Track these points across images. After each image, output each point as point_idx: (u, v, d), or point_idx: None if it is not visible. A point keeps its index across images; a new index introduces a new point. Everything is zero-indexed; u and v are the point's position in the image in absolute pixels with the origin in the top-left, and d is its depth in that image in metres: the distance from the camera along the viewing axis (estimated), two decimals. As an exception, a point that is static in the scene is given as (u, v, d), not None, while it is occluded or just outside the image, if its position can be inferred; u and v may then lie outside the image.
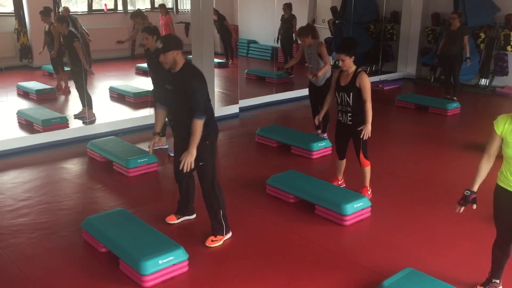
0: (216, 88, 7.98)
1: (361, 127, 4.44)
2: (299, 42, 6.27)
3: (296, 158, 5.88)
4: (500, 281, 3.29)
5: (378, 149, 4.94)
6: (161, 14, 9.55)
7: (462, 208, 3.03)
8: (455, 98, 8.40)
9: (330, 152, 5.94)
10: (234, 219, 4.33)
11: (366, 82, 4.41)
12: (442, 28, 10.10)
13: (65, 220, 4.32)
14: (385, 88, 9.79)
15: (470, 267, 3.62)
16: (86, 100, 7.13)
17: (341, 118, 4.61)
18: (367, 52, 11.04)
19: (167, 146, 6.02)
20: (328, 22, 11.51)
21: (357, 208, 4.28)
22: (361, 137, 4.47)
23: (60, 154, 6.04)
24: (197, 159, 3.66)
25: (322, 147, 5.93)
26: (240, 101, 8.00)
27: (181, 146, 3.75)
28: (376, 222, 4.33)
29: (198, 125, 3.58)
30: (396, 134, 7.18)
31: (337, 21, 11.02)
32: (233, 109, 7.87)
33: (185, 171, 3.58)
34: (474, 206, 3.02)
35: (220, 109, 7.66)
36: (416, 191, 5.00)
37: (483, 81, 9.77)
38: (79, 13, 9.32)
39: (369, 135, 4.47)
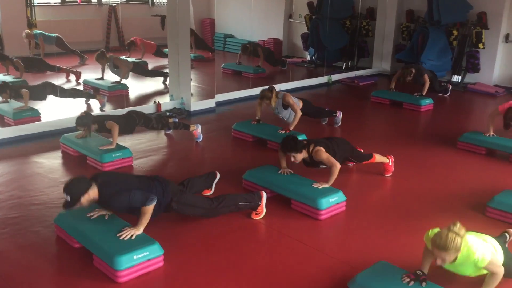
0: (193, 83, 7.94)
1: (318, 185, 4.47)
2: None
3: (273, 152, 5.89)
4: None
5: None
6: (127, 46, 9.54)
7: (412, 283, 3.09)
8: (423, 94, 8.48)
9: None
10: (210, 213, 4.33)
11: (323, 155, 4.52)
12: (417, 25, 10.22)
13: (37, 215, 4.24)
14: (361, 83, 9.89)
15: (441, 260, 3.70)
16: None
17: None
18: (343, 48, 11.13)
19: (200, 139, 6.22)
20: (305, 17, 11.55)
21: (332, 203, 4.33)
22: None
23: (32, 148, 5.92)
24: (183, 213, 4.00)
25: (298, 142, 5.96)
26: (216, 96, 7.98)
27: None
28: (351, 216, 4.39)
29: (147, 209, 3.57)
30: (371, 129, 7.27)
31: (313, 17, 11.06)
32: (210, 103, 7.84)
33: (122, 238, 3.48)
34: (424, 284, 3.08)
35: (196, 104, 7.62)
36: (390, 186, 5.07)
37: (456, 78, 9.96)
38: (51, 4, 9.15)
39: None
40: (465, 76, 9.88)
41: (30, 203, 4.48)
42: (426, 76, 8.26)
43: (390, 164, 5.23)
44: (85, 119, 5.43)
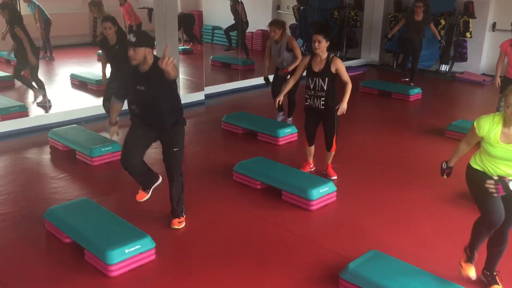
0: (181, 75, 7.89)
1: (337, 106, 4.51)
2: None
3: (263, 144, 5.90)
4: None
5: (343, 135, 5.01)
6: (119, 3, 9.30)
7: (445, 176, 3.25)
8: (412, 83, 8.57)
9: (296, 138, 5.98)
10: (202, 206, 4.32)
11: (342, 65, 4.52)
12: (404, 15, 10.26)
13: (27, 211, 4.21)
14: (350, 74, 9.84)
15: (431, 247, 3.74)
16: (39, 85, 6.95)
17: (312, 103, 4.61)
18: (331, 39, 11.11)
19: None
20: (293, 8, 11.52)
21: (323, 193, 4.34)
22: (337, 114, 4.53)
23: (20, 143, 5.86)
24: (172, 144, 3.76)
25: (288, 133, 5.97)
26: (205, 88, 7.94)
27: (144, 131, 3.78)
28: (342, 206, 4.41)
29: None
30: (360, 119, 7.29)
31: (301, 8, 11.03)
32: (199, 96, 7.80)
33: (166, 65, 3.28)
34: (445, 176, 3.24)
35: (185, 96, 7.58)
36: (380, 175, 5.10)
37: (443, 67, 10.01)
38: (37, -3, 9.00)
39: (344, 113, 4.55)
40: (453, 65, 9.93)
41: (19, 199, 4.44)
42: (432, 26, 8.38)
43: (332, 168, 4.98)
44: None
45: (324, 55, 4.51)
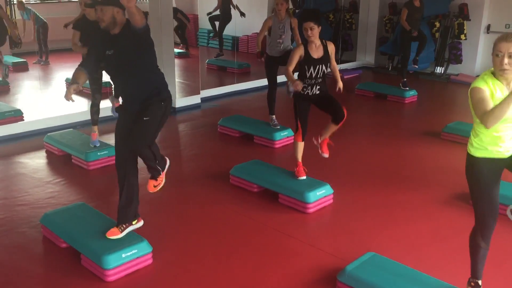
0: (177, 79, 7.89)
1: (337, 86, 4.62)
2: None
3: (259, 147, 5.90)
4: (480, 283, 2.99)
5: (339, 137, 5.01)
6: None
7: None
8: (405, 79, 8.38)
9: (292, 141, 5.97)
10: (198, 209, 4.32)
11: (333, 46, 4.60)
12: (399, 18, 10.26)
13: (23, 216, 4.19)
14: (345, 77, 9.91)
15: (429, 249, 3.74)
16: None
17: (309, 92, 4.52)
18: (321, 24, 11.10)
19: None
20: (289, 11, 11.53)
21: (320, 196, 4.34)
22: (337, 91, 4.61)
23: (15, 148, 5.84)
24: (143, 114, 3.29)
25: (285, 136, 5.97)
26: (201, 92, 7.94)
27: (126, 118, 3.41)
28: (338, 208, 4.41)
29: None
30: (356, 121, 7.29)
31: (297, 11, 11.06)
32: (195, 99, 7.80)
33: None
34: None
35: (181, 100, 7.58)
36: (377, 177, 5.11)
37: (439, 69, 10.05)
38: (31, 2, 9.01)
39: (341, 91, 4.62)
40: (448, 67, 9.97)
41: (15, 204, 4.42)
42: None
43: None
44: None
45: (318, 41, 4.48)
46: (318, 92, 4.54)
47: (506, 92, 2.61)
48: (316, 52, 4.46)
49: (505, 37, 2.55)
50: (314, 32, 4.39)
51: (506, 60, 2.52)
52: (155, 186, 3.63)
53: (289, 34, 6.01)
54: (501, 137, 2.68)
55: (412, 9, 8.17)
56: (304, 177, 4.57)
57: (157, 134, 3.46)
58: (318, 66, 4.47)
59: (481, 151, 2.75)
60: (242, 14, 10.20)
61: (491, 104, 2.58)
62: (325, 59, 4.48)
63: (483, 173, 2.76)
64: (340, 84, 4.62)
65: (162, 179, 3.65)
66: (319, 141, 4.81)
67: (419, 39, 8.27)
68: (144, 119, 3.28)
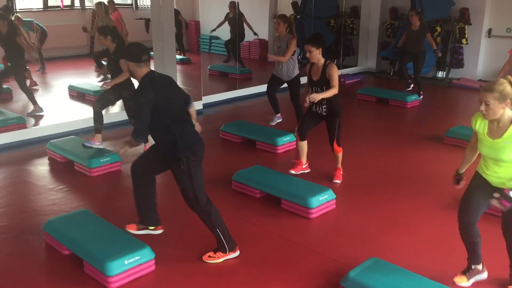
0: (179, 85, 7.88)
1: (336, 121, 4.70)
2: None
3: (261, 153, 5.90)
4: (482, 266, 3.31)
5: (341, 142, 5.02)
6: (110, 11, 9.34)
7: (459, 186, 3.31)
8: (421, 93, 8.57)
9: (294, 146, 5.98)
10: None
11: (334, 71, 4.56)
12: (400, 22, 10.33)
13: (26, 223, 4.19)
14: (347, 82, 9.93)
15: (432, 254, 3.73)
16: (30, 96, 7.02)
17: (315, 109, 4.76)
18: (328, 47, 11.17)
19: (101, 147, 5.56)
20: (290, 17, 11.57)
21: (322, 201, 4.34)
22: (338, 120, 4.71)
23: (18, 155, 5.86)
24: (176, 180, 3.49)
25: (287, 141, 5.97)
26: (203, 98, 7.96)
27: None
28: (341, 214, 4.40)
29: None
30: (359, 126, 7.30)
31: (298, 16, 11.09)
32: (197, 105, 7.79)
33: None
34: (457, 184, 3.31)
35: (183, 106, 7.58)
36: (379, 182, 5.10)
37: (440, 74, 10.06)
38: (34, 10, 9.06)
39: (315, 100, 4.56)
40: (449, 71, 9.98)
41: (18, 211, 4.43)
42: (429, 36, 8.39)
43: (341, 173, 5.03)
44: None
45: (320, 62, 4.58)
46: (324, 113, 4.71)
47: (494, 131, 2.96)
48: (316, 74, 4.63)
49: (484, 87, 2.87)
50: (313, 54, 4.53)
51: (482, 107, 2.87)
52: (209, 257, 3.62)
53: (294, 61, 6.23)
54: (487, 167, 3.05)
55: (409, 33, 8.39)
56: (293, 172, 4.90)
57: (198, 186, 3.46)
58: (314, 88, 4.64)
59: (481, 170, 3.14)
60: (255, 34, 10.47)
61: (474, 145, 3.17)
62: (320, 82, 4.58)
63: (474, 180, 3.16)
64: (314, 96, 4.49)
65: (219, 257, 3.61)
66: (335, 173, 4.98)
67: (406, 60, 8.58)
68: (180, 187, 3.50)
